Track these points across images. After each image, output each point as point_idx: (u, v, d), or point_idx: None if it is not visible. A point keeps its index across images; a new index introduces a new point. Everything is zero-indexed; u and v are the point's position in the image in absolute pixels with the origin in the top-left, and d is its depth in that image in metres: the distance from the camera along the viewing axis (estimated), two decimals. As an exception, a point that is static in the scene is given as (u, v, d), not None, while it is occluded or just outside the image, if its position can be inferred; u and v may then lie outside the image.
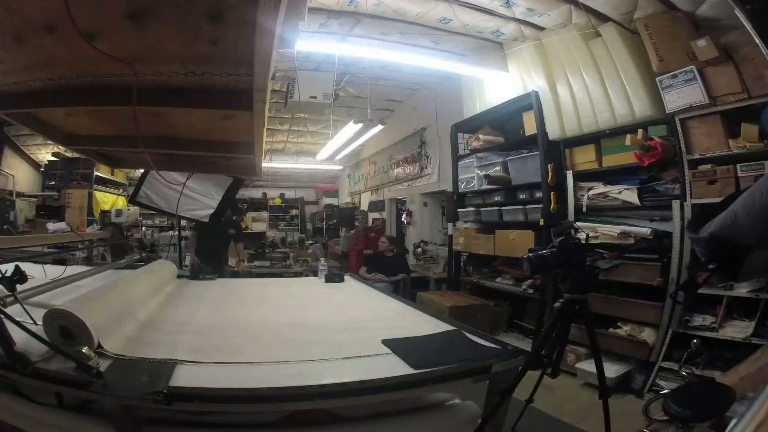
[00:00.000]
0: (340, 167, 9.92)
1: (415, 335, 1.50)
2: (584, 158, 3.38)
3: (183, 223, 4.32)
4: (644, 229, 2.88)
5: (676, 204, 2.74)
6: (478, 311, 3.87)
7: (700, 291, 2.36)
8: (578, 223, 3.29)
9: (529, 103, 3.66)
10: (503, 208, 4.02)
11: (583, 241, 1.53)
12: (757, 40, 1.20)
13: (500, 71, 3.96)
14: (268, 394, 1.04)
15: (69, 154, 6.76)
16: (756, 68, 2.37)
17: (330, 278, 2.75)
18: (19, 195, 6.38)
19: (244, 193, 9.50)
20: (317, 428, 1.17)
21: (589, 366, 3.07)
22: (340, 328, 1.64)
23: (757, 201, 0.87)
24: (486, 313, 3.91)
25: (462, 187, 4.55)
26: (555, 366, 1.60)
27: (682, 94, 2.66)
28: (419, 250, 5.69)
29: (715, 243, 0.99)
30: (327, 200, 11.10)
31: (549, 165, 3.47)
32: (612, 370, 2.94)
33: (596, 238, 3.16)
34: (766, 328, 2.35)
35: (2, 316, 1.02)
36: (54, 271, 2.17)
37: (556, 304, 1.41)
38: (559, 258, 1.44)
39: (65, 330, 1.12)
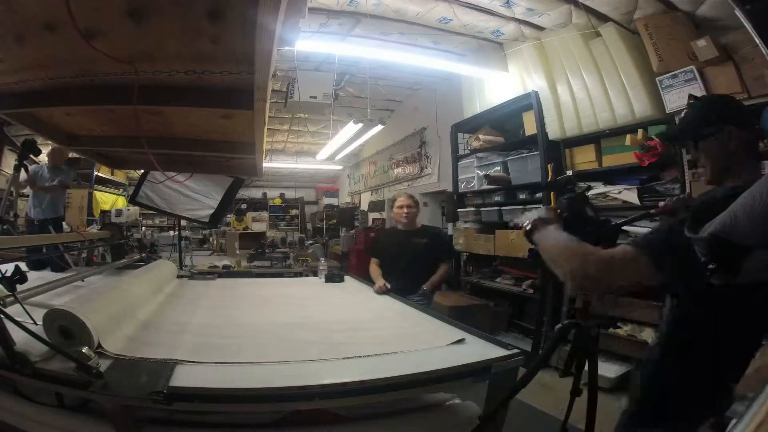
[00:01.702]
0: (340, 167, 9.93)
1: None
2: (584, 158, 3.38)
3: (183, 223, 4.32)
4: (644, 229, 2.88)
5: (676, 204, 2.74)
6: (478, 311, 3.87)
7: (700, 291, 2.37)
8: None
9: (529, 103, 3.66)
10: (503, 208, 4.02)
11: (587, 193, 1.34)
12: (757, 40, 1.20)
13: (500, 71, 3.96)
14: (268, 394, 1.04)
15: (70, 154, 6.75)
16: (756, 68, 2.37)
17: (330, 278, 2.75)
18: (20, 195, 6.38)
19: (244, 193, 9.50)
20: (317, 428, 1.17)
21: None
22: (340, 328, 1.64)
23: (757, 201, 0.87)
24: (486, 313, 3.91)
25: (462, 187, 4.55)
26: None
27: (682, 94, 2.66)
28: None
29: (715, 243, 0.98)
30: (327, 200, 11.10)
31: (549, 165, 3.47)
32: (612, 370, 2.95)
33: (596, 238, 3.16)
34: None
35: (2, 316, 1.02)
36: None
37: (558, 326, 1.17)
38: (570, 216, 1.17)
39: (65, 330, 1.12)
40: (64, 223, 4.76)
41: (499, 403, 1.20)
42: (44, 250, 2.79)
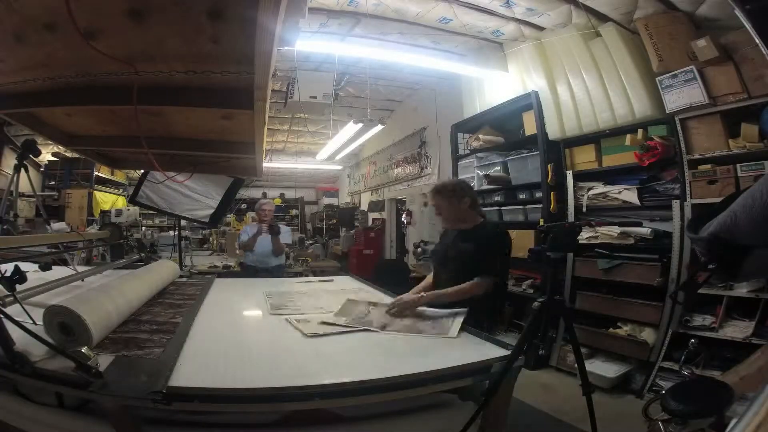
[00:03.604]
0: (340, 167, 9.93)
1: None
2: (584, 158, 3.38)
3: (183, 223, 4.32)
4: (644, 229, 2.88)
5: (676, 204, 2.74)
6: (478, 311, 3.86)
7: (700, 291, 2.38)
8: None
9: (529, 103, 3.65)
10: (503, 208, 4.02)
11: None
12: (757, 40, 1.19)
13: (500, 71, 3.96)
14: (268, 394, 1.04)
15: (69, 154, 6.76)
16: (756, 68, 2.37)
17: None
18: (20, 195, 6.37)
19: (244, 193, 9.49)
20: (317, 428, 1.17)
21: (589, 366, 3.07)
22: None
23: (757, 201, 0.87)
24: (486, 313, 3.90)
25: (462, 187, 4.54)
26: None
27: (682, 94, 2.66)
28: (419, 250, 5.69)
29: (715, 243, 0.98)
30: (327, 200, 11.09)
31: (549, 165, 3.47)
32: (612, 370, 2.95)
33: (596, 238, 3.16)
34: (766, 328, 2.35)
35: (2, 316, 1.02)
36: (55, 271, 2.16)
37: (535, 304, 1.36)
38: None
39: (64, 326, 1.12)
40: (63, 223, 4.76)
41: (497, 378, 1.22)
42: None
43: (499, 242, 2.05)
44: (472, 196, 2.12)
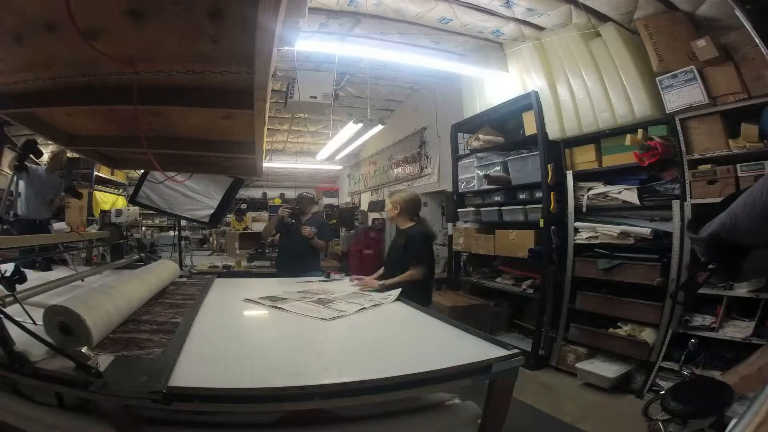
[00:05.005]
0: (340, 167, 9.93)
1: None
2: (584, 158, 3.38)
3: (183, 223, 4.32)
4: (644, 229, 2.88)
5: (676, 204, 2.74)
6: (478, 311, 3.87)
7: (700, 291, 2.38)
8: (578, 224, 3.30)
9: (529, 103, 3.65)
10: (503, 208, 4.02)
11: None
12: (757, 40, 1.20)
13: (500, 71, 3.96)
14: (268, 394, 1.04)
15: (69, 154, 6.75)
16: (756, 68, 2.37)
17: None
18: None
19: (244, 193, 9.50)
20: (317, 428, 1.17)
21: (589, 366, 3.07)
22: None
23: (757, 201, 0.87)
24: (486, 313, 3.91)
25: (462, 187, 4.55)
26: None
27: (682, 94, 2.66)
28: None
29: (715, 243, 0.98)
30: (327, 200, 11.10)
31: (549, 165, 3.47)
32: (612, 370, 2.95)
33: (596, 238, 3.16)
34: (766, 328, 2.35)
35: (2, 316, 1.02)
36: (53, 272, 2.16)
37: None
38: None
39: (64, 326, 1.12)
40: (63, 223, 4.77)
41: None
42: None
43: (419, 239, 2.66)
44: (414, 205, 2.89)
